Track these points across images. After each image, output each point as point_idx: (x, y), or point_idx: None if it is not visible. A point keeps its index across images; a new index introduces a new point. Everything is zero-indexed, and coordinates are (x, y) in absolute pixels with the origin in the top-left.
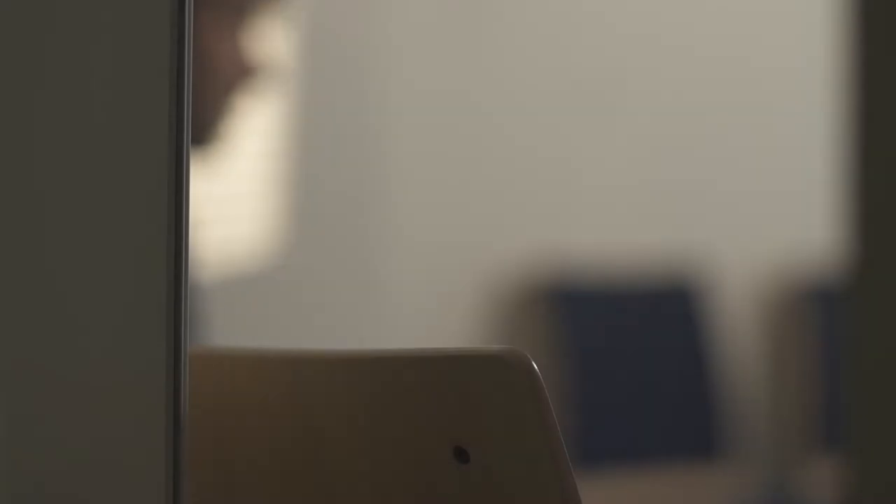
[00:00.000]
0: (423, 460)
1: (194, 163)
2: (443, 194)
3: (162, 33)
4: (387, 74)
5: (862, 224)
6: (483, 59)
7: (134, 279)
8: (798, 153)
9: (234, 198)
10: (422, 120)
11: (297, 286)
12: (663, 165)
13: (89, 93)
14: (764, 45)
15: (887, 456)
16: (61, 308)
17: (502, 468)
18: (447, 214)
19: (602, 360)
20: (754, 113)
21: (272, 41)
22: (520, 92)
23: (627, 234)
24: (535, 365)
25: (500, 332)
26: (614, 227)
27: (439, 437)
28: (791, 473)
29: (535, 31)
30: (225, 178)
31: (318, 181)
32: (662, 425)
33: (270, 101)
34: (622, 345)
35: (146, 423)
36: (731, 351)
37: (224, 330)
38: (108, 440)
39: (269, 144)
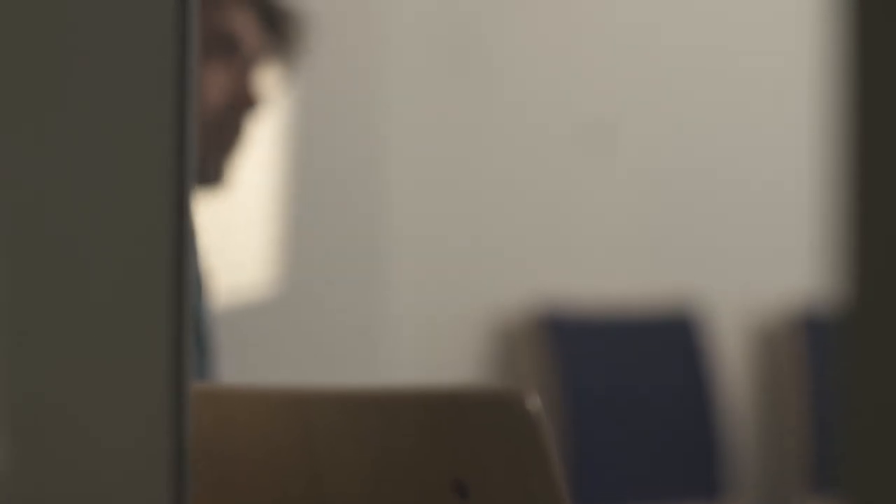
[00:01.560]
0: (424, 492)
1: (201, 202)
2: (443, 228)
3: (165, 41)
4: (386, 111)
5: (855, 260)
6: (481, 100)
7: (136, 318)
8: (792, 191)
9: (233, 229)
10: (421, 152)
11: (295, 318)
12: (658, 204)
13: (89, 123)
14: (756, 88)
15: (883, 491)
16: (62, 347)
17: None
18: (448, 249)
19: (599, 397)
20: (746, 152)
21: (267, 76)
22: (520, 133)
23: (624, 272)
24: (535, 404)
25: (498, 367)
26: (611, 264)
27: (440, 472)
28: None
29: (533, 79)
30: (225, 209)
31: (317, 215)
32: (660, 462)
33: (271, 132)
34: (620, 382)
35: (150, 464)
36: (728, 389)
37: (222, 362)
38: (111, 482)
39: (268, 176)
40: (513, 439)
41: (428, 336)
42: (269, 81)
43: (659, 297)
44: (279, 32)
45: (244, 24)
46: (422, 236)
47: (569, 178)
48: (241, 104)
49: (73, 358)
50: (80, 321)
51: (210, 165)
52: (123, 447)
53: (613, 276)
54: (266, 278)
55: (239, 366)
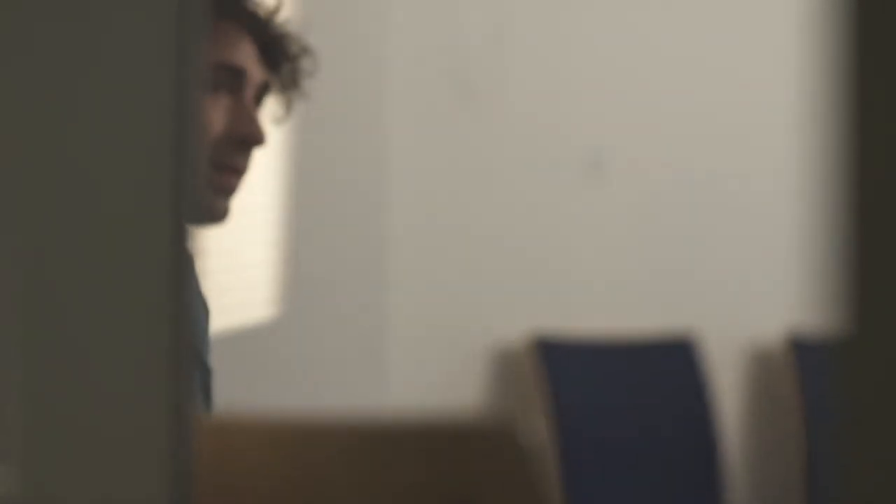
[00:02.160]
0: None
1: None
2: (443, 255)
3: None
4: (385, 141)
5: (849, 285)
6: (481, 132)
7: (137, 343)
8: (785, 219)
9: (233, 253)
10: (420, 182)
11: (294, 342)
12: (653, 232)
13: (89, 151)
14: (748, 121)
15: None
16: (64, 373)
17: None
18: (447, 275)
19: (595, 421)
20: (739, 181)
21: (269, 106)
22: (519, 166)
23: (620, 297)
24: (528, 437)
25: (496, 393)
26: (607, 290)
27: (440, 501)
28: None
29: (533, 113)
30: (225, 234)
31: (317, 240)
32: (657, 487)
33: (271, 158)
34: (616, 407)
35: (152, 494)
36: (724, 412)
37: (223, 386)
38: None
39: (268, 201)
40: (506, 471)
41: (427, 362)
42: (271, 111)
43: (654, 321)
44: (281, 64)
45: (248, 57)
46: (421, 262)
47: (566, 209)
48: (245, 137)
49: (74, 385)
50: (81, 348)
51: (211, 199)
52: (125, 475)
53: (609, 301)
54: (266, 302)
55: (238, 389)
